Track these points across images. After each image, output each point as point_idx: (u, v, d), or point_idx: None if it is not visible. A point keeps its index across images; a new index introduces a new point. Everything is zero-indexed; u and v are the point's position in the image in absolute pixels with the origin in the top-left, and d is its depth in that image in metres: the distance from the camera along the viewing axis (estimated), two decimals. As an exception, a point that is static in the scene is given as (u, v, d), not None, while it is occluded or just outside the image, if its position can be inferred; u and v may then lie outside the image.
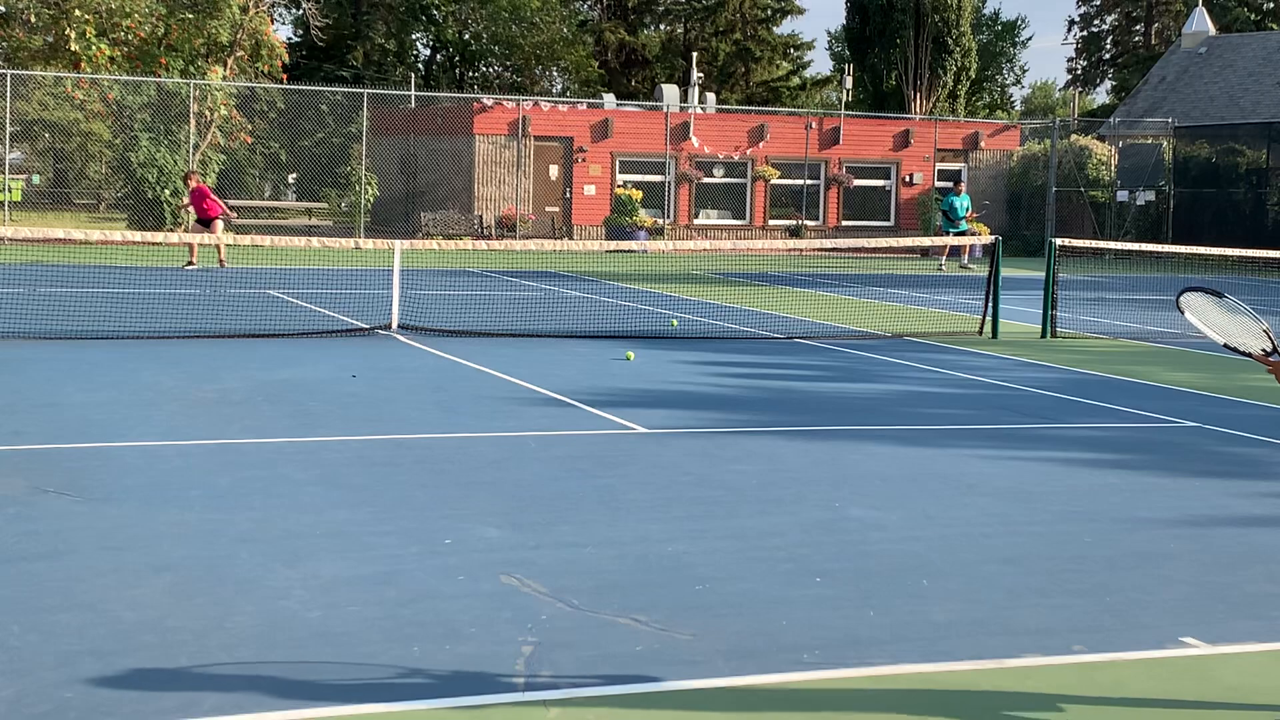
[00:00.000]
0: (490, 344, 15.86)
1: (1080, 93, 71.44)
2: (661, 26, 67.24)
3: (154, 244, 21.74)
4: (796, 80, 69.45)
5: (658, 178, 40.00)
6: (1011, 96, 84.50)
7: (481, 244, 27.46)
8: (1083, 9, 72.50)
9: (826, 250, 37.78)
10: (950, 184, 35.64)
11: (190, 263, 26.02)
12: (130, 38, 38.70)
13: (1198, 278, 31.02)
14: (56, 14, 38.07)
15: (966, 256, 34.29)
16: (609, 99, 43.72)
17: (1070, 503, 8.77)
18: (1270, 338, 5.69)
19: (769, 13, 66.18)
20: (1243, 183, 39.31)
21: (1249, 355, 5.75)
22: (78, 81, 36.91)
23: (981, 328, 18.70)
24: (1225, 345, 5.84)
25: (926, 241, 27.76)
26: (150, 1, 38.47)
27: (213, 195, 26.80)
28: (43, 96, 39.89)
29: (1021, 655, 5.87)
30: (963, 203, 31.92)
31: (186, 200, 27.53)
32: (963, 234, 30.35)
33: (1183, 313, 5.93)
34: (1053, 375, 14.95)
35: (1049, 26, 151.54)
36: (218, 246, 26.03)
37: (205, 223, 26.38)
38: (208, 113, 36.09)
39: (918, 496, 8.76)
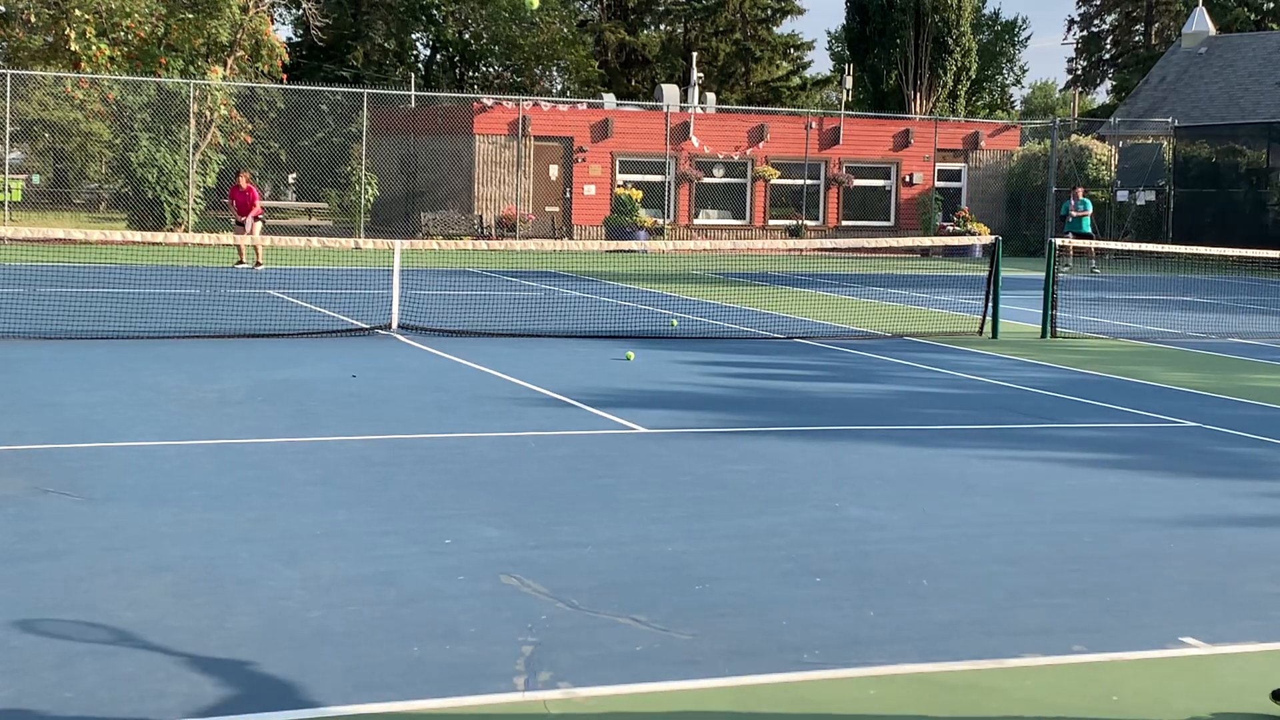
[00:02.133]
0: (490, 344, 15.86)
1: (1080, 93, 71.42)
2: (661, 26, 67.25)
3: (154, 244, 21.72)
4: (797, 80, 69.48)
5: (658, 178, 40.01)
6: (1011, 96, 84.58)
7: (481, 244, 27.45)
8: (1083, 9, 72.53)
9: (826, 250, 37.79)
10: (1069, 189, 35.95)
11: (258, 263, 26.35)
12: (130, 38, 38.70)
13: (1186, 283, 31.03)
14: (56, 14, 38.07)
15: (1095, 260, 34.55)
16: (609, 99, 43.72)
17: (1070, 503, 8.77)
18: None
19: (769, 13, 66.20)
20: (1243, 183, 39.31)
21: None
22: (78, 81, 36.91)
23: (981, 328, 18.70)
24: None
25: (926, 241, 27.74)
26: (150, 1, 38.47)
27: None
28: (43, 96, 39.90)
29: (1021, 655, 5.87)
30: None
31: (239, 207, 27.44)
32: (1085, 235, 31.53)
33: None
34: (1053, 375, 14.95)
35: (1049, 26, 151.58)
36: (240, 247, 26.36)
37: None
38: (208, 113, 36.09)
39: (918, 496, 8.76)
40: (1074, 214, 32.82)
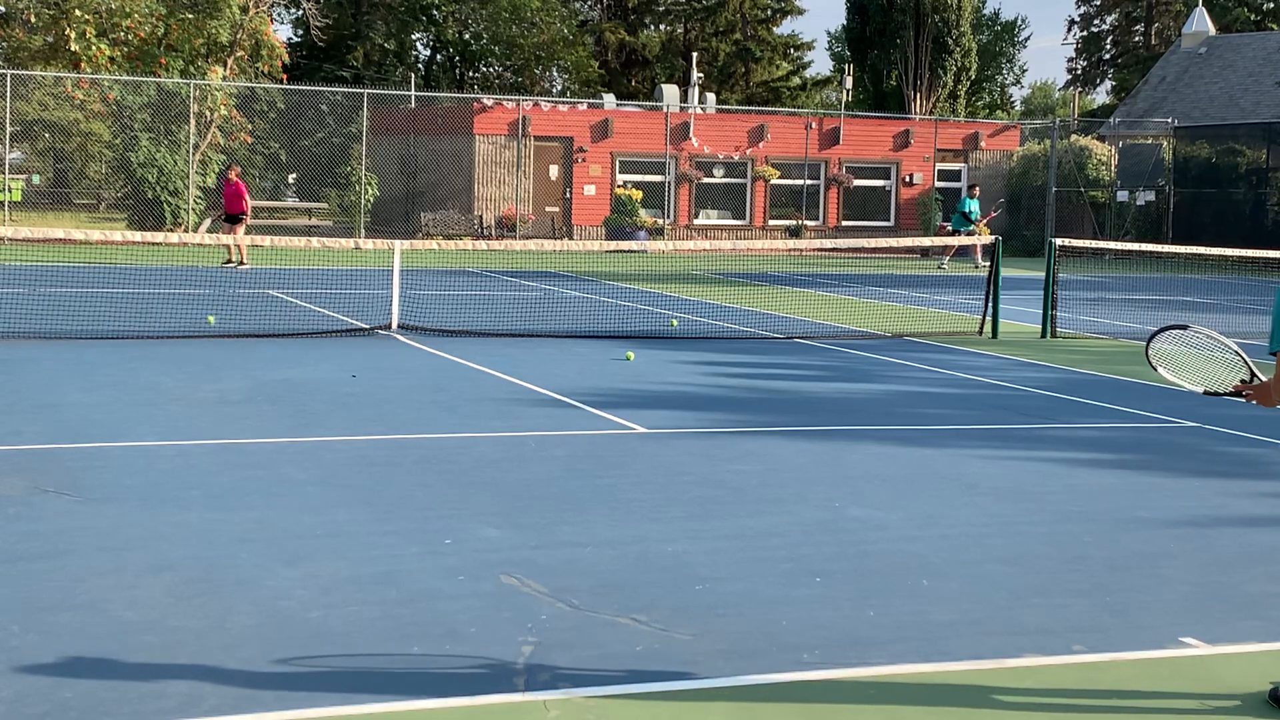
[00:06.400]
0: (490, 344, 15.86)
1: (1080, 93, 71.42)
2: (661, 26, 67.23)
3: (154, 244, 21.74)
4: (797, 80, 69.45)
5: (658, 178, 40.00)
6: (1011, 96, 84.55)
7: (481, 244, 27.46)
8: (1083, 9, 72.52)
9: (826, 250, 37.79)
10: (966, 186, 36.07)
11: (231, 260, 26.58)
12: (130, 38, 38.70)
13: (1186, 283, 31.00)
14: (56, 14, 38.06)
15: (980, 255, 34.33)
16: (609, 99, 43.72)
17: (1070, 503, 8.77)
18: (1248, 363, 5.63)
19: (769, 13, 66.19)
20: (1243, 183, 39.31)
21: (1227, 394, 5.67)
22: (78, 81, 36.91)
23: (981, 328, 18.70)
24: (1205, 392, 5.77)
25: (926, 241, 27.78)
26: (150, 1, 38.46)
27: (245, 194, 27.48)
28: (43, 96, 39.89)
29: (1021, 655, 5.87)
30: (975, 206, 32.60)
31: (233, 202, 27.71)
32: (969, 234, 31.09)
33: (1154, 368, 5.88)
34: (1053, 375, 14.95)
35: (1049, 26, 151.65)
36: (240, 246, 26.42)
37: (233, 219, 27.07)
38: (208, 113, 36.10)
39: (918, 496, 8.76)
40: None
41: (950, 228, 32.73)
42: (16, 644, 5.57)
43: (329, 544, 7.19)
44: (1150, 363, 5.90)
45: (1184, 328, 5.83)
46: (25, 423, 10.26)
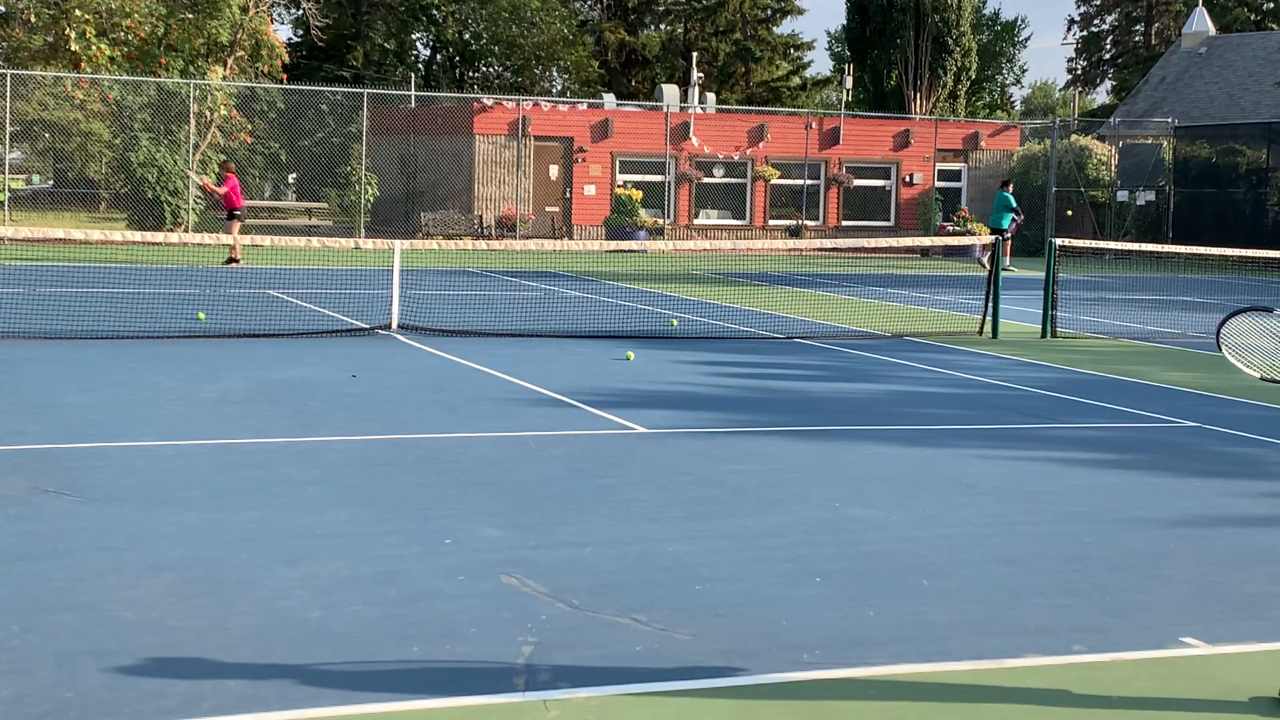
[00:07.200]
0: (490, 344, 15.86)
1: (1080, 93, 71.43)
2: (661, 26, 67.25)
3: (154, 244, 21.74)
4: (797, 80, 69.47)
5: (658, 178, 40.01)
6: (1011, 96, 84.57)
7: (481, 244, 27.45)
8: (1083, 9, 72.53)
9: (826, 250, 37.79)
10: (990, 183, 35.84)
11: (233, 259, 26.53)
12: (130, 38, 38.71)
13: (1187, 283, 31.00)
14: (56, 14, 38.07)
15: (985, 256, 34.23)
16: (609, 99, 43.72)
17: (1070, 503, 8.77)
18: None
19: (769, 13, 66.21)
20: (1243, 183, 39.31)
21: None
22: (78, 81, 36.91)
23: (981, 328, 18.70)
24: (1262, 379, 5.76)
25: (926, 241, 27.73)
26: (150, 1, 38.47)
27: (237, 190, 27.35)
28: (43, 96, 39.89)
29: (1021, 655, 5.87)
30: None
31: (223, 190, 27.48)
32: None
33: (1220, 345, 5.85)
34: (1052, 375, 14.95)
35: (1049, 26, 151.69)
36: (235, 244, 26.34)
37: (229, 215, 27.05)
38: (208, 113, 36.10)
39: (918, 496, 8.76)
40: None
41: (991, 226, 32.37)
42: (16, 644, 5.57)
43: (329, 544, 7.19)
44: (1219, 339, 5.88)
45: (1269, 310, 5.81)
46: (25, 423, 10.26)
